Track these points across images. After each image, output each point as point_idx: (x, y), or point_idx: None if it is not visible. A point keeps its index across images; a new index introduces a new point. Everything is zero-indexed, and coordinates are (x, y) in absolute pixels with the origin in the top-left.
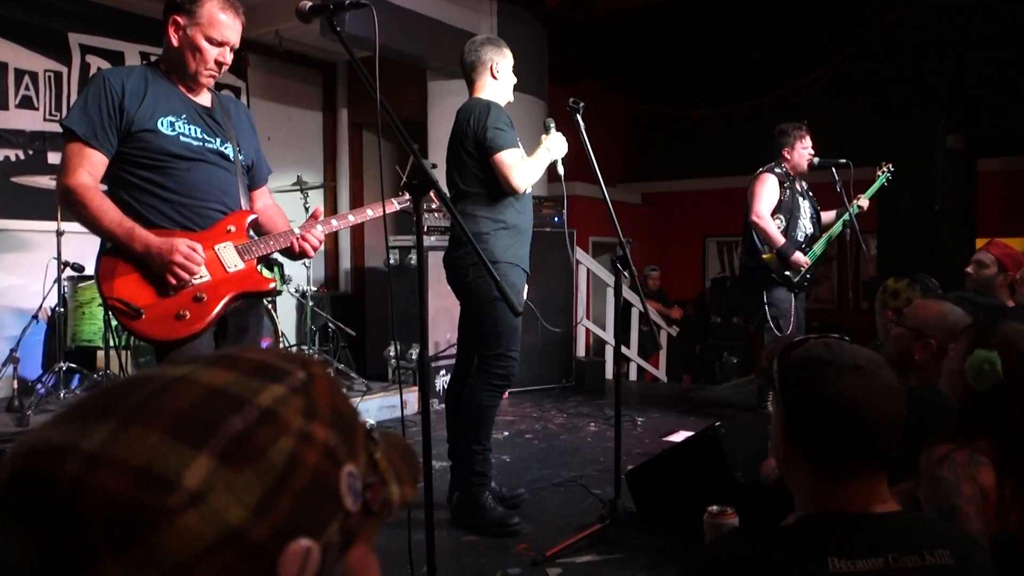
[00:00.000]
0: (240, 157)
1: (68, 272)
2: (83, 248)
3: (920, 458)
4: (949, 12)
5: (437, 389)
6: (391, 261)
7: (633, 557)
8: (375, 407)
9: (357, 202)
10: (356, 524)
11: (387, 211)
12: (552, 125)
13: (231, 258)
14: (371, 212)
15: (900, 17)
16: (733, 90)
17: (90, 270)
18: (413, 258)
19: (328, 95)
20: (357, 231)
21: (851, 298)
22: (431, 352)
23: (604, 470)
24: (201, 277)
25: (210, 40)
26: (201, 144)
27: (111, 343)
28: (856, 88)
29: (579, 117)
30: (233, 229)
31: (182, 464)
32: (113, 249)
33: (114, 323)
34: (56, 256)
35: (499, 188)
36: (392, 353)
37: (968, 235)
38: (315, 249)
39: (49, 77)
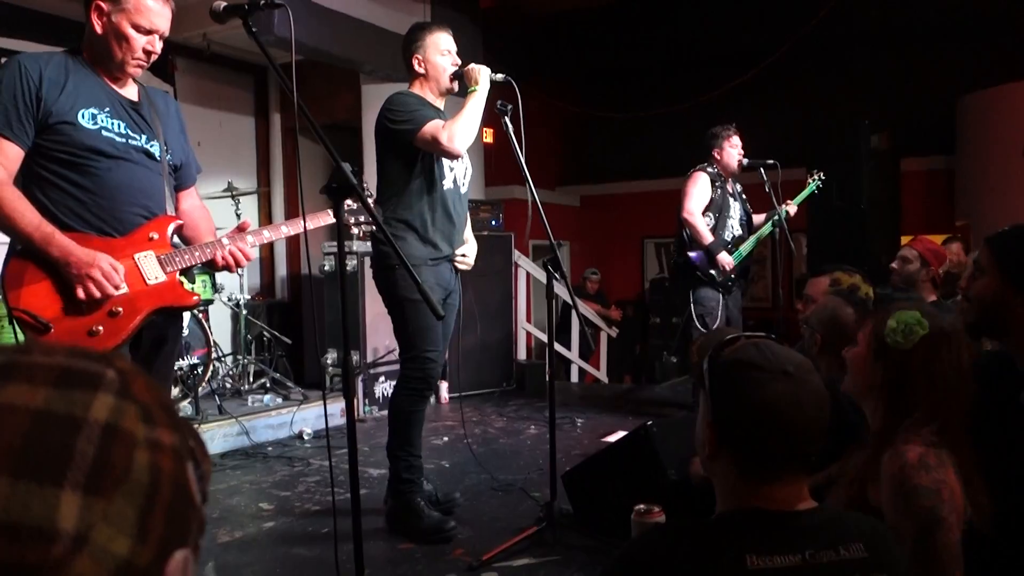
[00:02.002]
0: (168, 156)
1: None
2: None
3: (881, 461)
4: (873, 15)
5: (376, 396)
6: (326, 267)
7: (569, 558)
8: (312, 416)
9: (292, 208)
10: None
11: (322, 223)
12: (461, 71)
13: (152, 269)
14: (309, 224)
15: (825, 20)
16: (667, 93)
17: None
18: (350, 264)
19: (260, 99)
20: (292, 238)
21: (781, 296)
22: (369, 358)
23: (543, 473)
24: (118, 289)
25: (137, 28)
26: (125, 141)
27: None
28: (784, 90)
29: (507, 120)
30: (156, 237)
31: (50, 508)
32: (24, 251)
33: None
34: None
35: (415, 187)
36: (329, 361)
37: (893, 232)
38: (241, 265)
39: None
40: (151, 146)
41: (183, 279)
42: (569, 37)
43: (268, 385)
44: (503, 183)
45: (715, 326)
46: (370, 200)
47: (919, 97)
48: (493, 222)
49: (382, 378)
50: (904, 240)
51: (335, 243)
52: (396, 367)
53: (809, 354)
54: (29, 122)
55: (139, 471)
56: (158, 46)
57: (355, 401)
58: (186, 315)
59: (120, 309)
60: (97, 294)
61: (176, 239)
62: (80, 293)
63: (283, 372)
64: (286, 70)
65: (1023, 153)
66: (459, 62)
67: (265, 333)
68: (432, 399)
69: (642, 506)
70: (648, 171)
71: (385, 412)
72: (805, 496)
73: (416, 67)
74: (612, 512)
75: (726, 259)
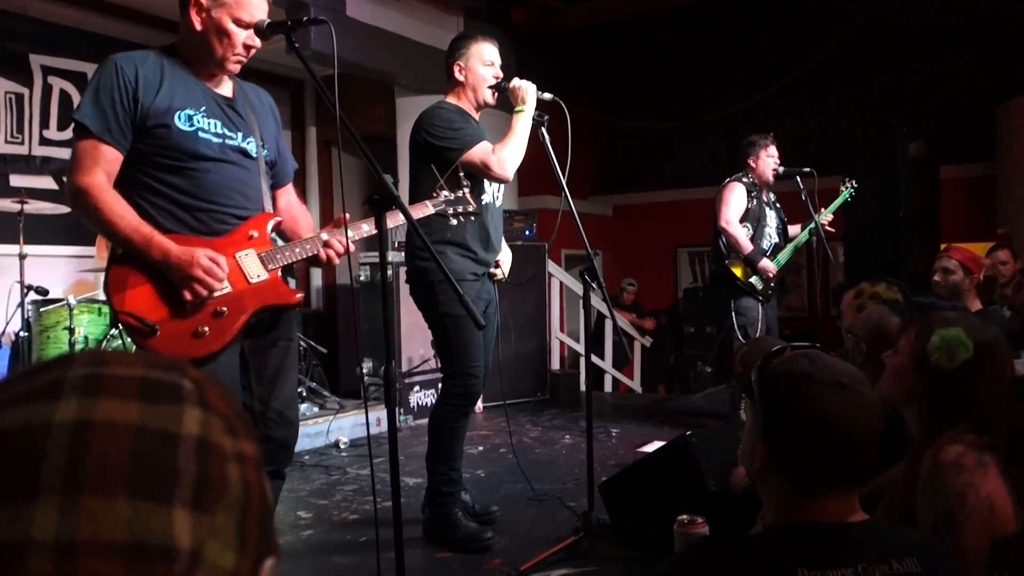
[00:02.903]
0: (264, 152)
1: (32, 296)
2: (46, 271)
3: (923, 457)
4: (909, 21)
5: (412, 405)
6: (362, 278)
7: (607, 569)
8: (348, 425)
9: (327, 221)
10: None
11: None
12: (504, 84)
13: (254, 267)
14: (391, 222)
15: (860, 27)
16: (700, 102)
17: (55, 293)
18: (389, 273)
19: (296, 113)
20: None
21: (820, 305)
22: (404, 368)
23: (579, 483)
24: (222, 289)
25: (238, 22)
26: (221, 141)
27: None
28: (819, 98)
29: (544, 130)
30: (256, 235)
31: (167, 526)
32: (125, 256)
33: (125, 340)
34: (19, 280)
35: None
36: (365, 370)
37: (932, 241)
38: (340, 256)
39: (10, 99)
40: (247, 143)
41: (286, 277)
42: (601, 48)
43: (304, 394)
44: (537, 193)
45: (756, 336)
46: (457, 191)
47: (957, 104)
48: (527, 232)
49: (417, 387)
50: (952, 245)
51: (371, 253)
52: (431, 376)
53: (853, 364)
54: (127, 125)
55: (233, 484)
56: (257, 41)
57: (394, 410)
58: None
59: (225, 309)
60: (204, 293)
61: (274, 238)
62: (187, 295)
63: (319, 381)
64: (325, 83)
65: None
66: (501, 75)
67: (301, 343)
68: None
69: (685, 517)
70: (681, 180)
71: (420, 421)
72: (856, 508)
73: (456, 74)
74: (650, 523)
75: (768, 265)
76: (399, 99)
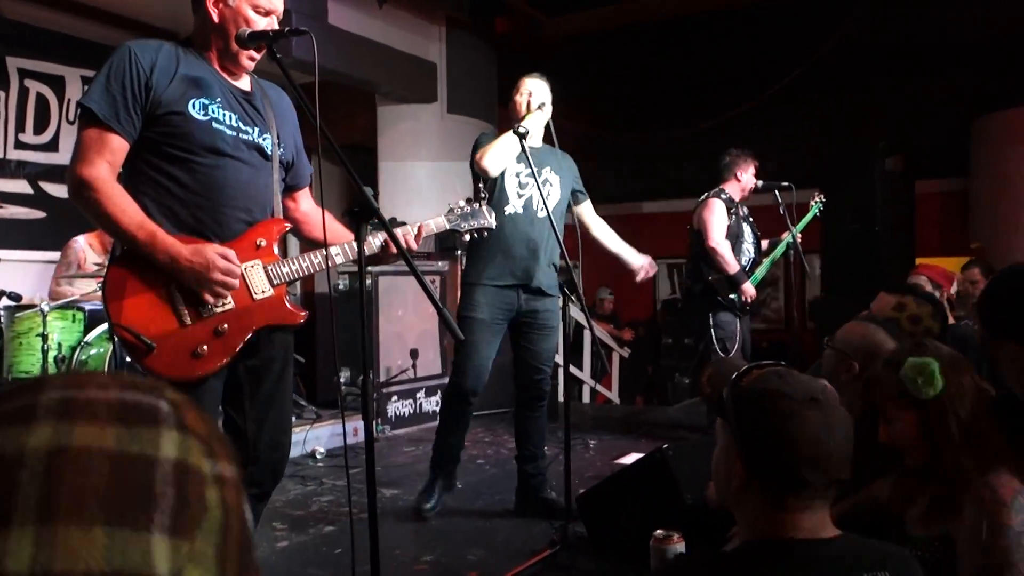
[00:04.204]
0: (280, 151)
1: (4, 301)
2: (19, 277)
3: (968, 493)
4: (886, 37)
5: (389, 415)
6: (341, 287)
7: None
8: (326, 434)
9: None
10: None
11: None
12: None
13: (259, 282)
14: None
15: (839, 43)
16: (680, 115)
17: (28, 299)
18: (367, 283)
19: None
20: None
21: (796, 317)
22: (383, 377)
23: (557, 494)
24: (225, 304)
25: (257, 9)
26: (235, 135)
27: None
28: (797, 113)
29: (525, 143)
30: (263, 244)
31: (145, 554)
32: (124, 257)
33: (101, 348)
34: None
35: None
36: (343, 380)
37: (908, 255)
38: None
39: None
40: (263, 139)
41: (291, 293)
42: (582, 60)
43: None
44: None
45: (735, 350)
46: (473, 204)
47: (933, 119)
48: None
49: (395, 397)
50: (920, 262)
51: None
52: (409, 386)
53: (836, 378)
54: (137, 113)
55: (213, 508)
56: (276, 27)
57: (370, 421)
58: None
59: (226, 327)
60: (227, 295)
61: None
62: (208, 298)
63: (296, 391)
64: (305, 91)
65: None
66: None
67: None
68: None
69: (661, 532)
70: (660, 192)
71: (398, 431)
72: (830, 524)
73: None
74: (627, 536)
75: (750, 290)
76: (381, 108)
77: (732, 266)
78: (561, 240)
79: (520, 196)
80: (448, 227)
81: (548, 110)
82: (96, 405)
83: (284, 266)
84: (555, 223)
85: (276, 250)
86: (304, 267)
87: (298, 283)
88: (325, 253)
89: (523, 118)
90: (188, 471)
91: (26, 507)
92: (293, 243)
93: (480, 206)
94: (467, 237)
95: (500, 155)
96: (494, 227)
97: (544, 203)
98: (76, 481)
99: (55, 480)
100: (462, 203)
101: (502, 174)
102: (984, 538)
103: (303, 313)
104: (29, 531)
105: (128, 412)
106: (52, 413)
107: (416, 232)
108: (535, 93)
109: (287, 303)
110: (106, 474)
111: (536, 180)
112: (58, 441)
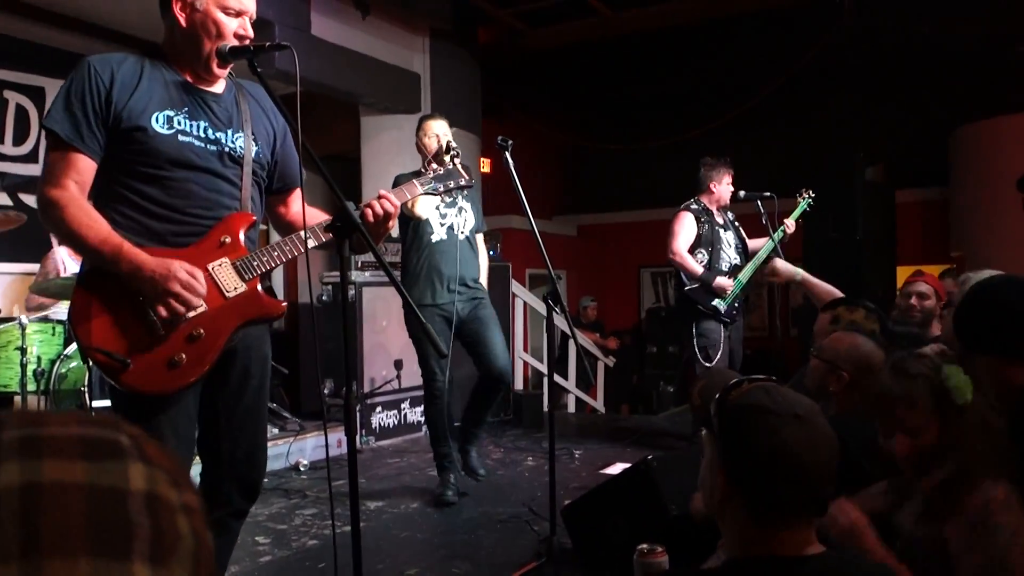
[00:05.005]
0: (255, 149)
1: None
2: None
3: (965, 499)
4: (867, 48)
5: (374, 426)
6: (324, 297)
7: None
8: (309, 446)
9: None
10: None
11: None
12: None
13: (229, 280)
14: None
15: (820, 54)
16: (663, 125)
17: (6, 312)
18: (351, 293)
19: None
20: (290, 266)
21: (780, 325)
22: (367, 388)
23: (542, 505)
24: (197, 308)
25: (227, 11)
26: (204, 146)
27: (28, 389)
28: (779, 123)
29: (508, 155)
30: (227, 240)
31: None
32: (88, 277)
33: (80, 363)
34: None
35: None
36: (326, 391)
37: (889, 263)
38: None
39: None
40: (236, 139)
41: (266, 284)
42: (566, 70)
43: None
44: (500, 212)
45: (717, 358)
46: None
47: (913, 129)
48: (491, 252)
49: (379, 408)
50: (900, 271)
51: (332, 273)
52: (393, 397)
53: (823, 389)
54: (100, 130)
55: (185, 536)
56: (250, 30)
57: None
58: None
59: (201, 331)
60: (182, 310)
61: (246, 240)
62: (162, 312)
63: (279, 402)
64: (287, 102)
65: (1017, 185)
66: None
67: None
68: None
69: (645, 546)
70: (645, 201)
71: (383, 443)
72: (813, 540)
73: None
74: (612, 548)
75: (725, 282)
76: (364, 118)
77: (694, 270)
78: (480, 257)
79: (443, 225)
80: (422, 191)
81: (453, 157)
82: (60, 441)
83: (254, 259)
84: (472, 243)
85: (244, 243)
86: (275, 256)
87: (272, 274)
88: (303, 236)
89: (435, 157)
90: (159, 501)
91: (8, 544)
92: (277, 270)
93: (454, 164)
94: (447, 198)
95: (425, 206)
96: (472, 185)
97: (463, 228)
98: (55, 515)
99: (33, 516)
100: (434, 166)
101: None
102: (981, 539)
103: (283, 303)
104: (14, 567)
105: (91, 447)
106: (15, 451)
107: (388, 203)
108: (442, 136)
109: (263, 295)
110: (82, 507)
111: (453, 210)
112: (28, 478)
